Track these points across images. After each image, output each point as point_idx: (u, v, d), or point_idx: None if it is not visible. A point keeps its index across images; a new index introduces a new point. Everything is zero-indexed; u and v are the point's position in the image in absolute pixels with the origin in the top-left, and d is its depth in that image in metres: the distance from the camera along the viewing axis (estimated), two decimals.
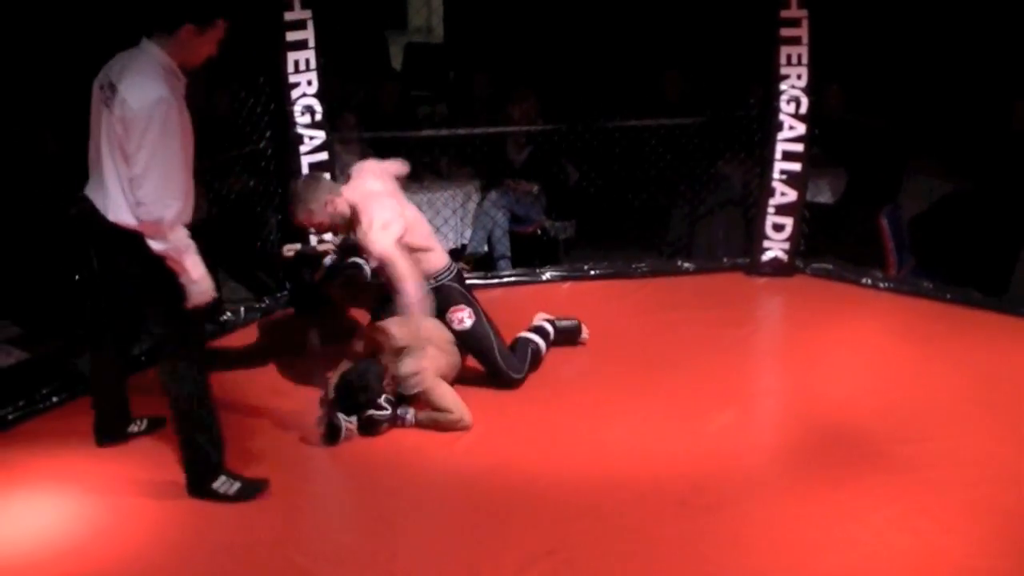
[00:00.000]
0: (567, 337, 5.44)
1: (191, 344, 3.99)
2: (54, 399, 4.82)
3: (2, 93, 5.97)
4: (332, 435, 4.44)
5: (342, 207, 4.71)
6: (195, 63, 3.84)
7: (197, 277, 3.79)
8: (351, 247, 5.04)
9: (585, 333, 5.49)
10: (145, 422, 4.53)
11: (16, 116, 5.84)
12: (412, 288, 4.46)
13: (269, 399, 4.92)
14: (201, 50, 3.80)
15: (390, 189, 4.92)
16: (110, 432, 4.40)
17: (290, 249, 5.60)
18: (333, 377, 4.70)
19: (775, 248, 6.53)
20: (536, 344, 5.20)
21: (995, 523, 3.83)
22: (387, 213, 4.66)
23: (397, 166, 5.14)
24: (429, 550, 3.76)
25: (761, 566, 3.62)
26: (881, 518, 3.88)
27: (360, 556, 3.76)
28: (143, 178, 3.65)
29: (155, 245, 3.73)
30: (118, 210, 3.78)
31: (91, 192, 3.88)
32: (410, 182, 6.96)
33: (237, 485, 4.04)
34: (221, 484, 4.03)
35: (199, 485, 4.04)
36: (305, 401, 4.89)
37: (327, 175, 5.03)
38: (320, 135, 5.95)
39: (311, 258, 5.60)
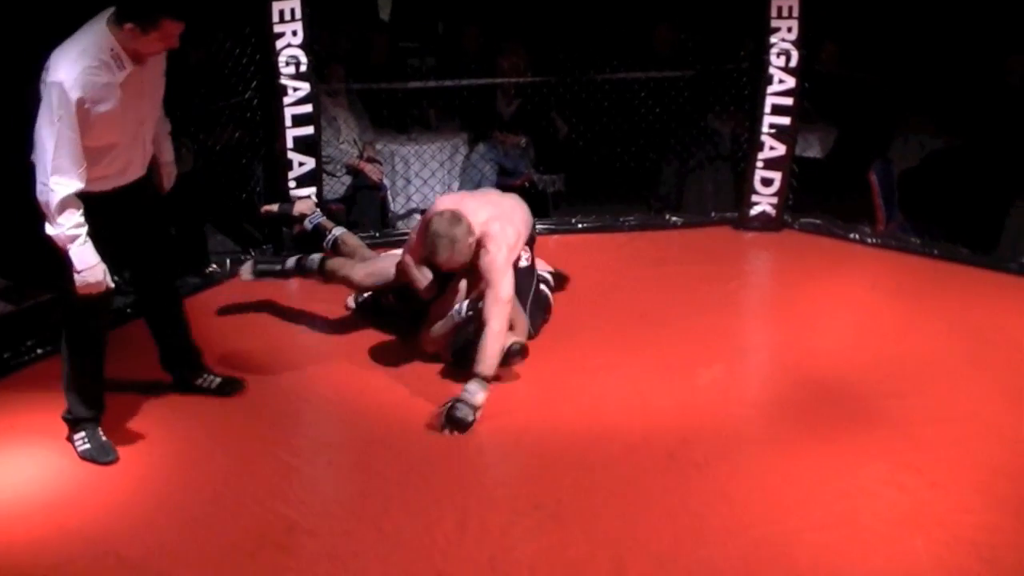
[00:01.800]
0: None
1: (77, 314, 3.95)
2: (39, 351, 4.79)
3: None
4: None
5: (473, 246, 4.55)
6: (148, 54, 3.76)
7: (80, 268, 3.73)
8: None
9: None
10: (218, 380, 4.52)
11: (6, 69, 5.73)
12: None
13: (256, 352, 4.91)
14: (150, 47, 3.72)
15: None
16: (179, 383, 4.49)
17: (267, 211, 5.58)
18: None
19: (763, 203, 6.52)
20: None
21: (981, 478, 3.85)
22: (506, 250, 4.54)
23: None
24: (418, 504, 3.76)
25: (748, 519, 3.64)
26: (868, 473, 3.90)
27: (348, 509, 3.76)
28: (38, 159, 3.63)
29: (47, 227, 3.69)
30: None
31: None
32: (398, 134, 6.98)
33: (87, 446, 4.05)
34: (79, 437, 4.07)
35: (68, 430, 4.13)
36: (292, 354, 4.90)
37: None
38: (305, 86, 5.89)
39: (289, 218, 5.59)
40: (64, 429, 4.13)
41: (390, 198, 6.93)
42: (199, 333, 4.63)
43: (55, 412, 4.23)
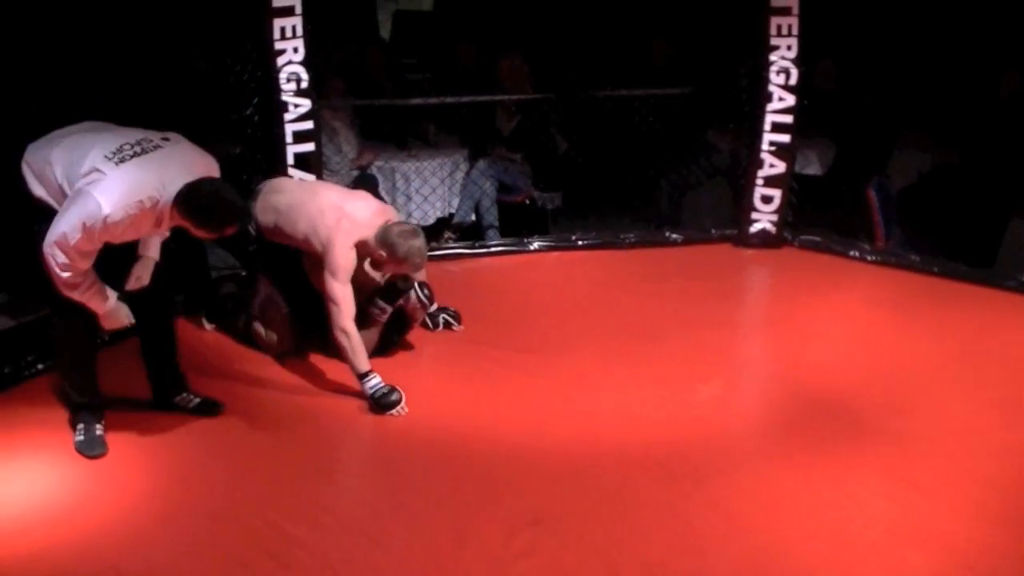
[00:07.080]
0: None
1: (67, 312, 4.06)
2: (39, 366, 4.80)
3: None
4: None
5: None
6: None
7: (99, 312, 4.01)
8: None
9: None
10: (197, 399, 4.51)
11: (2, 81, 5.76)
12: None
13: (251, 366, 4.93)
14: (197, 232, 3.91)
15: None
16: (159, 400, 4.51)
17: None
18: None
19: (763, 220, 6.53)
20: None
21: (975, 492, 3.86)
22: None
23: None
24: (415, 518, 3.76)
25: (743, 532, 3.64)
26: (862, 486, 3.90)
27: (344, 521, 3.76)
28: (54, 232, 3.74)
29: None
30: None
31: None
32: (398, 151, 7.00)
33: (81, 437, 4.17)
34: (77, 429, 4.20)
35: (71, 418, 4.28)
36: (289, 368, 4.90)
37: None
38: (306, 103, 5.90)
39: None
40: (67, 444, 4.17)
41: None
42: (196, 348, 4.65)
43: (54, 427, 4.26)
